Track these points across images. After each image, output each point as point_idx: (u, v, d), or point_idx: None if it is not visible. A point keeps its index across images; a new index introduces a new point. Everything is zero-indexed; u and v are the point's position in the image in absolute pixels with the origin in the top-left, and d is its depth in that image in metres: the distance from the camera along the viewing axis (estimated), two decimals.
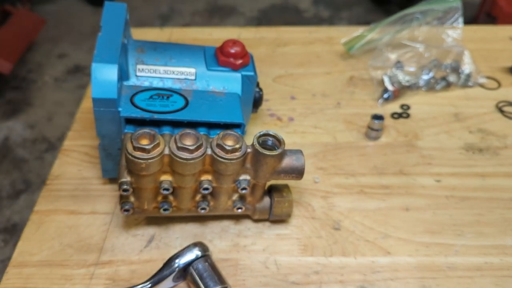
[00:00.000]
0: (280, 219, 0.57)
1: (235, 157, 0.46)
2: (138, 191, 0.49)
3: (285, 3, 2.55)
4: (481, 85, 0.79)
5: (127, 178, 0.47)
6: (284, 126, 0.71)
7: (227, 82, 0.56)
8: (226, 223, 0.57)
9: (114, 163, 0.57)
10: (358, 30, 0.86)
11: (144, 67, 0.55)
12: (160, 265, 0.48)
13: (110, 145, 0.54)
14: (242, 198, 0.53)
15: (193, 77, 0.56)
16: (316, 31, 0.92)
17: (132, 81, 0.54)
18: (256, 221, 0.57)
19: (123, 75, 0.53)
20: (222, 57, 0.57)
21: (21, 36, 1.94)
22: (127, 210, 0.50)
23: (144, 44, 0.57)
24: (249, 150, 0.47)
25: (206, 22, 2.40)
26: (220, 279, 0.47)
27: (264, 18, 2.43)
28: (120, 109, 0.50)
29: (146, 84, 0.54)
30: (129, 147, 0.44)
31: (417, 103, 0.76)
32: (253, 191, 0.52)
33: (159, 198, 0.51)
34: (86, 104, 0.74)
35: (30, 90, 1.94)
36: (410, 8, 0.83)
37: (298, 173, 0.50)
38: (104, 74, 0.49)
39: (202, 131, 0.52)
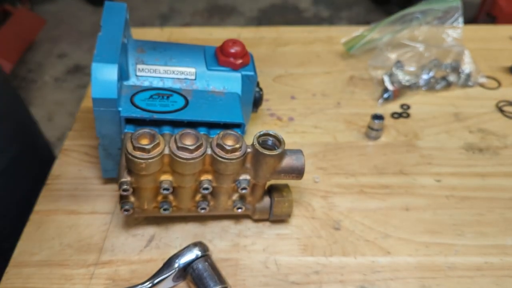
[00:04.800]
0: (280, 219, 0.57)
1: (235, 157, 0.46)
2: (138, 191, 0.49)
3: (285, 3, 2.55)
4: (481, 85, 0.79)
5: (127, 178, 0.47)
6: (284, 126, 0.71)
7: (227, 81, 0.56)
8: (226, 223, 0.57)
9: (114, 163, 0.57)
10: (358, 30, 0.86)
11: (144, 67, 0.55)
12: (160, 265, 0.48)
13: (110, 145, 0.54)
14: (242, 198, 0.53)
15: (193, 77, 0.56)
16: (316, 31, 0.92)
17: (132, 81, 0.54)
18: (256, 221, 0.57)
19: (123, 75, 0.53)
20: (222, 56, 0.57)
21: (21, 36, 1.94)
22: (127, 210, 0.50)
23: (144, 44, 0.57)
24: (249, 150, 0.47)
25: (206, 22, 2.40)
26: (220, 279, 0.47)
27: (264, 18, 2.43)
28: (120, 109, 0.50)
29: (146, 84, 0.54)
30: (129, 147, 0.44)
31: (417, 103, 0.76)
32: (253, 191, 0.52)
33: (159, 198, 0.51)
34: (86, 104, 0.74)
35: (30, 90, 1.94)
36: (410, 8, 0.83)
37: (298, 173, 0.50)
38: (104, 74, 0.49)
39: (202, 131, 0.52)
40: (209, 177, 0.49)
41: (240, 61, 0.57)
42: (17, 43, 1.90)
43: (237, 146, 0.46)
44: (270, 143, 0.49)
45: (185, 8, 2.49)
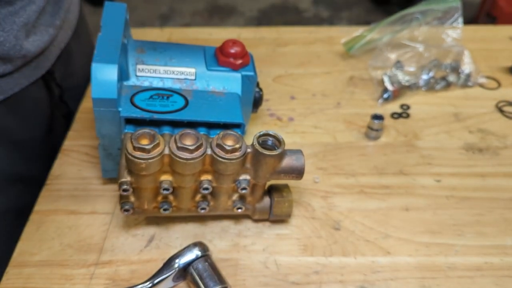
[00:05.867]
0: (280, 219, 0.57)
1: (235, 157, 0.46)
2: (138, 191, 0.49)
3: (285, 3, 2.55)
4: (481, 85, 0.79)
5: (127, 178, 0.47)
6: (284, 126, 0.71)
7: (227, 82, 0.56)
8: (226, 223, 0.57)
9: (114, 163, 0.57)
10: (358, 30, 0.86)
11: (144, 67, 0.55)
12: (160, 265, 0.48)
13: (110, 145, 0.54)
14: (242, 198, 0.53)
15: (193, 77, 0.56)
16: (316, 31, 0.92)
17: (132, 81, 0.54)
18: (256, 221, 0.57)
19: (123, 75, 0.53)
20: (222, 57, 0.57)
21: None
22: (127, 210, 0.50)
23: (144, 44, 0.57)
24: (249, 150, 0.47)
25: (206, 22, 2.40)
26: (220, 279, 0.47)
27: (264, 18, 2.43)
28: (120, 109, 0.50)
29: (146, 84, 0.54)
30: (129, 147, 0.44)
31: (417, 103, 0.76)
32: (253, 191, 0.52)
33: (159, 198, 0.51)
34: (86, 104, 0.74)
35: None
36: (410, 8, 0.83)
37: (298, 173, 0.50)
38: (104, 74, 0.49)
39: (202, 131, 0.52)
40: (209, 177, 0.49)
41: (240, 61, 0.57)
42: None
43: (237, 146, 0.46)
44: (270, 143, 0.49)
45: (185, 8, 2.50)
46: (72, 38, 0.71)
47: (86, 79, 0.78)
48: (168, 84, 0.55)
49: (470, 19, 2.03)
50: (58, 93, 0.71)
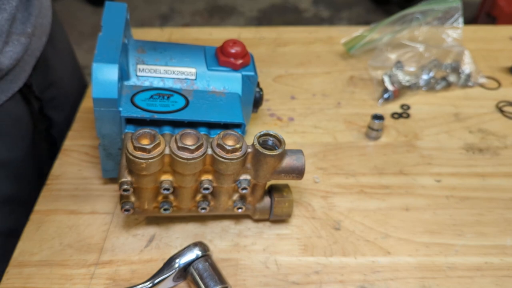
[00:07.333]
0: (280, 219, 0.57)
1: (235, 157, 0.46)
2: (138, 191, 0.49)
3: (285, 3, 2.55)
4: (481, 85, 0.79)
5: (127, 178, 0.47)
6: (284, 126, 0.71)
7: (228, 82, 0.56)
8: (226, 223, 0.57)
9: (114, 163, 0.57)
10: (358, 30, 0.86)
11: (145, 67, 0.55)
12: (160, 265, 0.49)
13: (110, 145, 0.54)
14: (242, 198, 0.53)
15: (193, 77, 0.56)
16: (316, 31, 0.93)
17: (133, 81, 0.54)
18: (256, 221, 0.57)
19: (123, 75, 0.53)
20: (222, 57, 0.57)
21: None
22: (127, 210, 0.50)
23: (144, 44, 0.57)
24: (249, 150, 0.48)
25: (206, 22, 2.40)
26: (221, 279, 0.47)
27: (264, 18, 2.43)
28: (120, 109, 0.50)
29: (147, 84, 0.54)
30: (130, 147, 0.44)
31: (417, 103, 0.76)
32: (254, 191, 0.52)
33: (160, 198, 0.51)
34: (86, 104, 0.74)
35: None
36: (410, 8, 0.83)
37: (298, 173, 0.50)
38: (105, 74, 0.49)
39: (202, 131, 0.52)
40: (210, 177, 0.49)
41: (240, 61, 0.57)
42: None
43: (238, 146, 0.46)
44: (271, 143, 0.49)
45: (185, 8, 2.49)
46: (47, 44, 0.66)
47: (68, 89, 0.73)
48: (169, 84, 0.55)
49: (470, 19, 2.03)
50: (37, 106, 0.68)
